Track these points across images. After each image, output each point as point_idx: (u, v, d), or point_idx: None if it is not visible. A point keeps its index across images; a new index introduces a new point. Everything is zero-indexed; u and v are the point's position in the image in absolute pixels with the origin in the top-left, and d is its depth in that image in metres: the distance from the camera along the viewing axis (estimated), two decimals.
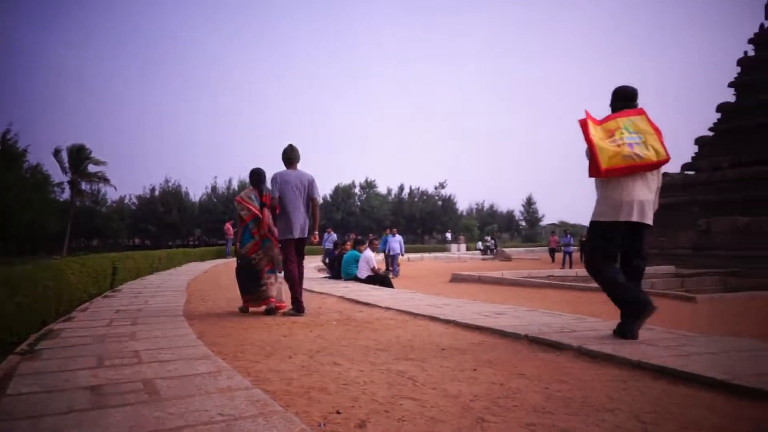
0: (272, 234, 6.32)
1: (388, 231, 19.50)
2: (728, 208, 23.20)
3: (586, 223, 4.80)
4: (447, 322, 5.23)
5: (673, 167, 27.32)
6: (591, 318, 5.48)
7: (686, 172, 26.18)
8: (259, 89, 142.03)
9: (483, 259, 32.31)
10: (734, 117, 25.00)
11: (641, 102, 4.43)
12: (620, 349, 3.59)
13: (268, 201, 6.32)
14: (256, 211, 6.28)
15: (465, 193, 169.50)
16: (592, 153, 4.02)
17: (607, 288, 4.12)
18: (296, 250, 6.21)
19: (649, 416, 2.48)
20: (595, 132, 4.06)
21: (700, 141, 26.23)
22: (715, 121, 25.97)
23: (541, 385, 3.03)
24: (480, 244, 40.97)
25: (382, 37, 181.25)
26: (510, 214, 75.61)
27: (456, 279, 14.97)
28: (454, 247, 39.15)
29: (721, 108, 25.72)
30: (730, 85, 25.85)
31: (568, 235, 25.31)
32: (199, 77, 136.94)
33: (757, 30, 25.73)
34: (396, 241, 17.79)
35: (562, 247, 25.33)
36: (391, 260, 17.73)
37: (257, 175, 6.47)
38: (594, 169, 4.04)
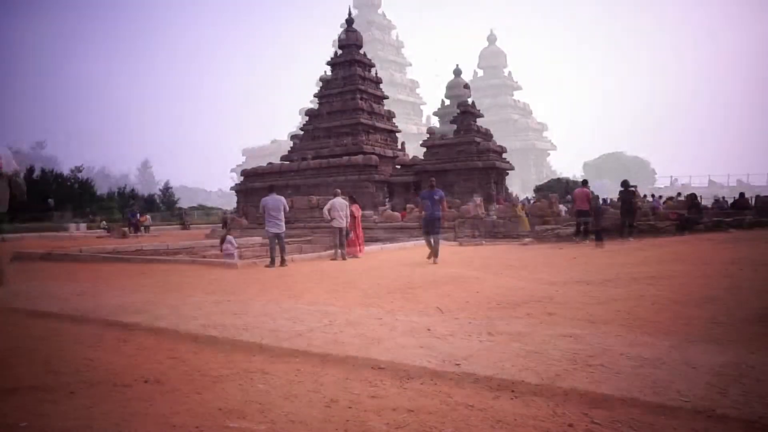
0: None
1: None
2: (308, 189, 31.44)
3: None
4: None
5: (275, 158, 34.70)
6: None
7: (283, 162, 33.94)
8: None
9: (98, 237, 28.03)
10: (316, 121, 33.36)
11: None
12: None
13: None
14: None
15: (70, 155, 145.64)
16: None
17: None
18: None
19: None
20: None
21: (293, 137, 34.10)
22: (304, 123, 34.08)
23: None
24: (104, 223, 35.02)
25: None
26: (124, 178, 70.01)
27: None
28: (73, 226, 33.45)
29: (307, 113, 33.90)
30: (315, 95, 34.16)
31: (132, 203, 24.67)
32: None
33: (333, 55, 34.38)
34: None
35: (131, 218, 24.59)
36: None
37: None
38: None
